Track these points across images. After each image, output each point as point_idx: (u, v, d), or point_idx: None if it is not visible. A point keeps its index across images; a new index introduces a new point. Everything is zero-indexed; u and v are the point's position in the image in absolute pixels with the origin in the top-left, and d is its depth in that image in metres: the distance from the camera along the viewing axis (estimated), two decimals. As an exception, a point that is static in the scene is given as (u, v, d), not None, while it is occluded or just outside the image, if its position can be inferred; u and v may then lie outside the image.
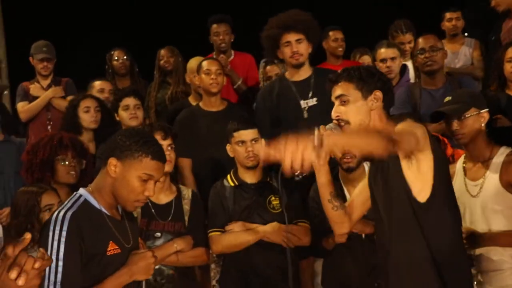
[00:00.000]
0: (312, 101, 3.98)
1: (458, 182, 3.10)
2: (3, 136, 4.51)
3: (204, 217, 3.54)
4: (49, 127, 5.07)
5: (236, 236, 3.41)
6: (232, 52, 5.45)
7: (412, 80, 4.86)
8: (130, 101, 4.25)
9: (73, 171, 3.58)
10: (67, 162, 3.57)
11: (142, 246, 2.60)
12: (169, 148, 3.40)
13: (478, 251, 2.99)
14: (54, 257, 2.18)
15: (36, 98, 5.15)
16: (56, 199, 3.10)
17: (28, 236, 1.55)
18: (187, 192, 3.50)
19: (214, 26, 5.37)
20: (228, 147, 3.55)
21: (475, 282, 3.02)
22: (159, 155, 2.41)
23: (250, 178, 3.52)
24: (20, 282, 1.48)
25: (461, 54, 5.53)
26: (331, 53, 5.63)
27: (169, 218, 3.36)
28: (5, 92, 6.77)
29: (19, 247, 1.50)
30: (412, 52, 4.62)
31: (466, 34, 6.15)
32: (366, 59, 5.76)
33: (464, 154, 3.15)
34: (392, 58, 4.75)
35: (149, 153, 2.37)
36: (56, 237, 2.20)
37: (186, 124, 4.24)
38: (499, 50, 4.10)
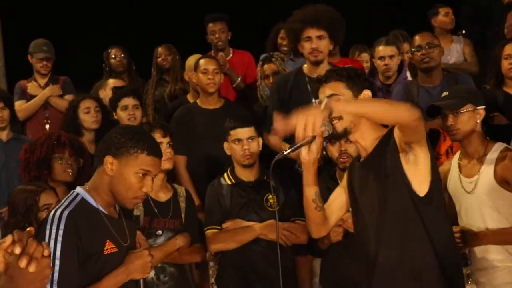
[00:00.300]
0: None
1: (453, 179, 3.11)
2: (12, 134, 4.53)
3: (197, 214, 3.56)
4: (47, 125, 5.07)
5: (233, 234, 3.42)
6: (231, 50, 5.45)
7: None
8: (128, 101, 4.25)
9: (70, 169, 3.58)
10: (64, 160, 3.58)
11: (139, 245, 2.60)
12: (168, 145, 3.41)
13: (473, 249, 3.00)
14: (51, 256, 2.17)
15: (33, 96, 5.15)
16: (55, 198, 3.10)
17: (32, 228, 1.54)
18: (181, 190, 3.52)
19: (210, 25, 5.38)
20: (225, 145, 3.55)
21: (470, 280, 3.03)
22: (154, 151, 2.40)
23: (247, 176, 3.52)
24: (32, 268, 1.46)
25: (453, 50, 5.52)
26: None
27: (169, 216, 3.38)
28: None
29: (26, 235, 1.49)
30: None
31: (464, 31, 6.14)
32: (364, 57, 5.76)
33: (459, 151, 3.15)
34: (390, 56, 4.76)
35: (145, 148, 2.36)
36: (53, 236, 2.19)
37: (183, 121, 4.23)
38: (499, 43, 4.10)
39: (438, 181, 2.50)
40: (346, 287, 3.18)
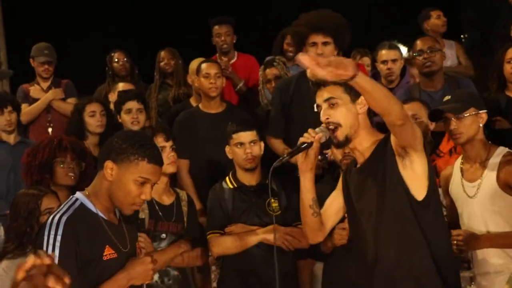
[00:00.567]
0: None
1: (455, 183, 3.10)
2: (18, 138, 4.54)
3: (198, 218, 3.56)
4: (49, 129, 5.08)
5: (235, 238, 3.41)
6: (235, 53, 5.45)
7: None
8: (133, 104, 4.26)
9: (72, 173, 3.58)
10: (66, 164, 3.58)
11: (139, 251, 2.59)
12: (171, 149, 3.41)
13: (476, 253, 2.99)
14: None
15: (36, 100, 5.17)
16: (56, 203, 3.10)
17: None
18: (183, 195, 3.53)
19: (216, 27, 5.39)
20: (227, 148, 3.54)
21: (473, 284, 3.02)
22: (155, 158, 2.38)
23: (249, 180, 3.51)
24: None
25: (447, 54, 5.50)
26: None
27: (173, 219, 3.38)
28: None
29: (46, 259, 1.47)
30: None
31: (466, 35, 6.14)
32: (366, 61, 5.76)
33: (461, 155, 3.14)
34: (393, 60, 4.76)
35: (145, 156, 2.34)
36: (51, 241, 2.19)
37: (185, 125, 4.24)
38: (504, 45, 4.08)
39: (435, 185, 2.51)
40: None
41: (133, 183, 2.33)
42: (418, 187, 2.42)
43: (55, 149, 3.59)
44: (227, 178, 3.56)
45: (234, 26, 5.43)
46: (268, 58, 5.20)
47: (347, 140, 2.50)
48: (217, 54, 5.42)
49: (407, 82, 4.81)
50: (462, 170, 3.08)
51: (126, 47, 5.76)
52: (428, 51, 4.13)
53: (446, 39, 5.48)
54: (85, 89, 5.32)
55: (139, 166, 2.33)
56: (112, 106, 4.66)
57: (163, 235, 3.33)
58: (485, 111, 3.02)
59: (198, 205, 3.69)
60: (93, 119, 4.30)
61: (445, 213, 3.26)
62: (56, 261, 2.16)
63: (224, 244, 3.42)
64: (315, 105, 3.84)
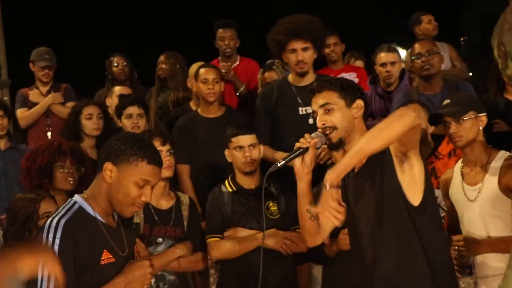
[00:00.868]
0: None
1: (455, 186, 3.09)
2: (9, 143, 4.53)
3: (200, 222, 3.55)
4: (48, 133, 5.08)
5: (234, 242, 3.41)
6: (238, 57, 5.45)
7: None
8: (133, 109, 4.27)
9: (71, 177, 3.58)
10: (65, 169, 3.58)
11: (138, 255, 2.58)
12: (168, 153, 3.41)
13: (476, 257, 2.98)
14: None
15: (35, 104, 5.16)
16: (54, 207, 3.09)
17: None
18: (184, 198, 3.52)
19: (220, 30, 5.39)
20: (226, 152, 3.55)
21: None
22: (155, 159, 2.37)
23: (248, 183, 3.51)
24: None
25: None
26: (327, 58, 5.65)
27: (171, 224, 3.38)
28: (5, 98, 6.78)
29: None
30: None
31: (465, 37, 6.13)
32: (359, 64, 5.78)
33: (461, 159, 3.14)
34: (392, 63, 4.75)
35: (145, 157, 2.33)
36: (49, 245, 2.18)
37: (185, 130, 4.24)
38: None
39: (431, 190, 2.51)
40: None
41: (133, 185, 2.32)
42: (414, 192, 2.42)
43: (54, 153, 3.59)
44: (226, 182, 3.56)
45: (237, 30, 5.43)
46: (267, 61, 5.20)
47: (341, 142, 2.51)
48: (219, 57, 5.42)
49: (405, 85, 4.80)
50: (462, 174, 3.07)
51: (127, 50, 5.76)
52: (426, 54, 4.13)
53: (438, 42, 5.47)
54: (84, 93, 5.32)
55: (139, 167, 2.32)
56: (110, 110, 4.66)
57: (160, 240, 3.33)
58: (485, 114, 3.02)
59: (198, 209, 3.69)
60: (90, 122, 4.30)
61: (443, 214, 3.27)
62: None
63: (223, 248, 3.42)
64: (300, 109, 3.89)
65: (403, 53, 5.84)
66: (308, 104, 3.95)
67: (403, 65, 4.95)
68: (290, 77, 4.10)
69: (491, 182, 2.95)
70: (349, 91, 2.56)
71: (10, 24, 6.93)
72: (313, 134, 2.53)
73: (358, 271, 2.59)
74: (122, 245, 2.42)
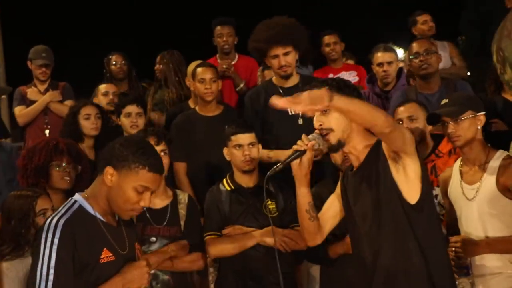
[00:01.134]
0: None
1: (454, 185, 3.10)
2: None
3: (200, 221, 3.54)
4: (46, 131, 5.08)
5: (232, 240, 3.41)
6: (236, 55, 5.46)
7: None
8: (132, 108, 4.27)
9: (68, 176, 3.57)
10: (62, 168, 3.57)
11: (139, 254, 2.58)
12: (162, 153, 3.39)
13: (473, 257, 2.98)
14: (45, 265, 2.17)
15: (33, 102, 5.16)
16: (50, 203, 3.10)
17: None
18: (183, 197, 3.50)
19: (218, 28, 5.39)
20: (225, 150, 3.54)
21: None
22: (156, 167, 2.38)
23: (246, 182, 3.51)
24: None
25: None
26: (327, 57, 5.67)
27: (165, 223, 3.36)
28: (3, 96, 6.77)
29: None
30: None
31: (463, 37, 6.13)
32: (350, 63, 5.80)
33: (460, 157, 3.14)
34: (389, 62, 4.75)
35: (146, 165, 2.34)
36: (48, 245, 2.19)
37: (182, 128, 4.24)
38: None
39: (429, 188, 2.51)
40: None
41: (132, 191, 2.34)
42: (411, 190, 2.42)
43: (51, 152, 3.58)
44: (224, 180, 3.56)
45: (235, 28, 5.43)
46: None
47: (340, 144, 2.51)
48: (218, 55, 5.43)
49: (403, 84, 4.80)
50: (461, 172, 3.08)
51: (126, 49, 5.75)
52: (424, 54, 4.13)
53: (439, 41, 5.48)
54: (82, 92, 5.31)
55: (140, 175, 2.34)
56: None
57: (153, 239, 3.32)
58: (483, 113, 3.02)
59: (196, 207, 3.68)
60: (88, 122, 4.30)
61: (443, 212, 3.27)
62: (53, 264, 2.16)
63: (221, 246, 3.42)
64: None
65: (403, 53, 5.85)
66: None
67: (400, 65, 4.95)
68: (275, 79, 4.14)
69: (489, 181, 2.95)
70: (345, 92, 2.54)
71: (10, 24, 6.93)
72: (310, 136, 2.53)
73: (358, 271, 2.60)
74: (123, 244, 2.42)
